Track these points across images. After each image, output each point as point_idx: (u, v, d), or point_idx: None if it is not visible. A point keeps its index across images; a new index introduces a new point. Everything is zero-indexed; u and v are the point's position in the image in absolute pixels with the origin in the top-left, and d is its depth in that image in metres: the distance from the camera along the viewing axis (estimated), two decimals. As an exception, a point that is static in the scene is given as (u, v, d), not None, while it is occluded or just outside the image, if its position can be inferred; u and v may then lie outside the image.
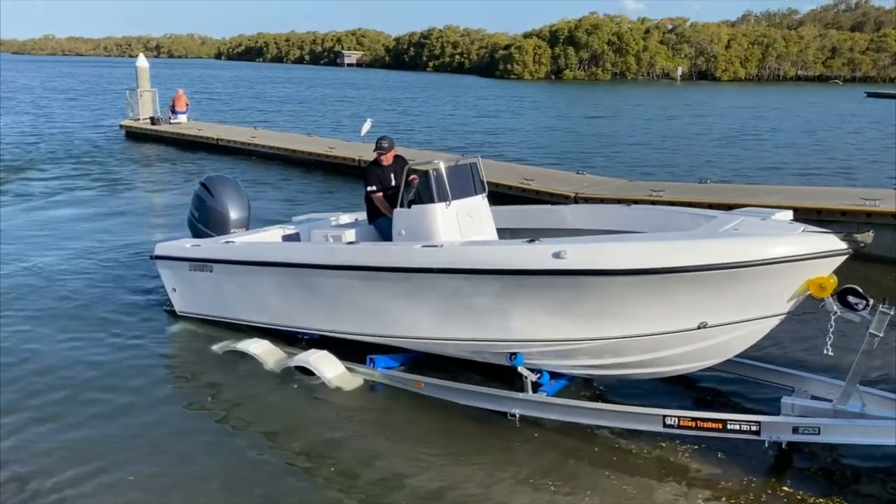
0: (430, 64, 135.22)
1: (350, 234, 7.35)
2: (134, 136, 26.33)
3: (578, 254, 5.35)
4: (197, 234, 8.45)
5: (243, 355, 7.05)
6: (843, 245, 5.02)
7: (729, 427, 5.22)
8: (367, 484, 5.09)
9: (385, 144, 7.50)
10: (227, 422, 6.01)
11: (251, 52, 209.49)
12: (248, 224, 8.60)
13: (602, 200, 13.31)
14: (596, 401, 6.04)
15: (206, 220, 8.41)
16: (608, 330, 5.62)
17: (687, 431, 5.34)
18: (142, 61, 27.92)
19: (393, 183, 7.28)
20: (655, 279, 5.22)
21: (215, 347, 7.36)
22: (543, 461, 5.40)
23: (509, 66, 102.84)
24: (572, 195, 13.55)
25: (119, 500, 4.88)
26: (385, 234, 7.18)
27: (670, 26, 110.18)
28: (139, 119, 26.81)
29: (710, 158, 22.50)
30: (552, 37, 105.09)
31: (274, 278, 7.12)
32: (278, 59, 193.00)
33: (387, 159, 7.52)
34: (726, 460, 5.27)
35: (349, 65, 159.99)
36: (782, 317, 5.41)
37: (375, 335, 6.74)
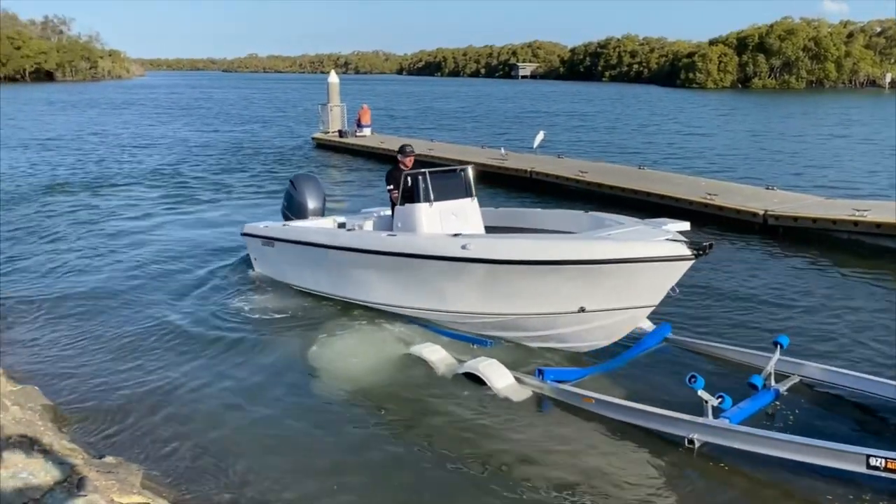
0: (606, 74, 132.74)
1: (368, 224, 9.35)
2: (323, 147, 28.26)
3: (478, 246, 6.97)
4: (286, 219, 10.46)
5: (416, 359, 7.25)
6: (686, 252, 6.06)
7: (949, 478, 4.60)
8: (532, 497, 5.02)
9: (408, 150, 8.97)
10: (399, 427, 6.16)
11: (430, 66, 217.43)
12: (323, 212, 10.54)
13: (795, 220, 12.34)
14: (787, 432, 5.53)
15: (291, 209, 10.52)
16: (511, 307, 7.09)
17: (895, 475, 4.75)
18: (333, 78, 29.89)
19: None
20: (534, 269, 6.63)
21: (391, 350, 7.63)
22: (723, 497, 5.04)
23: (691, 75, 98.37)
24: (760, 213, 12.65)
25: (293, 490, 5.18)
26: None
27: (878, 29, 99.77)
28: (329, 132, 28.74)
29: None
30: (740, 44, 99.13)
31: (304, 253, 9.08)
32: (455, 73, 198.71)
33: (407, 163, 8.85)
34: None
35: (523, 77, 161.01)
36: (650, 308, 6.59)
37: (361, 300, 8.55)
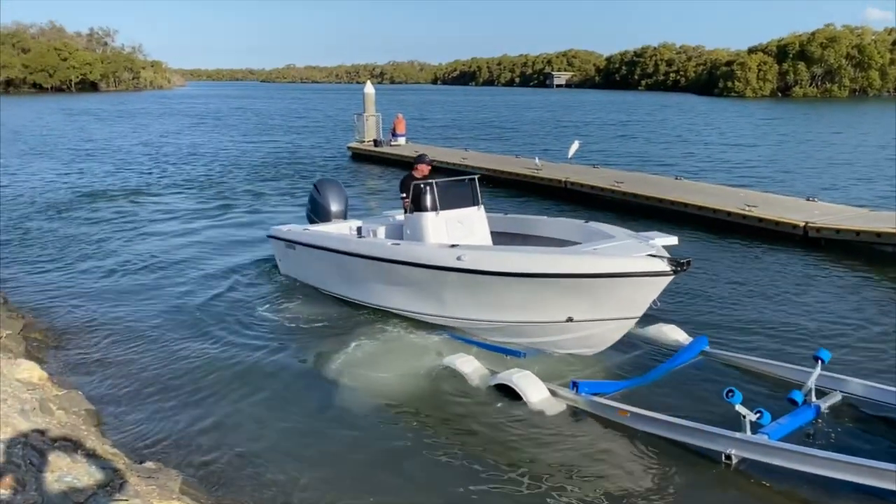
0: (643, 83, 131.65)
1: (381, 231, 9.69)
2: (359, 156, 28.51)
3: (472, 257, 7.31)
4: (311, 221, 10.96)
5: (450, 370, 7.24)
6: (665, 268, 6.32)
7: None
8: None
9: (424, 159, 9.50)
10: (432, 439, 6.17)
11: (464, 76, 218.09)
12: (345, 215, 10.97)
13: (837, 232, 12.10)
14: (829, 449, 5.38)
15: (315, 212, 10.94)
16: (505, 315, 7.43)
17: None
18: (369, 88, 30.17)
19: None
20: (522, 280, 6.95)
21: (424, 360, 7.65)
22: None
23: (730, 84, 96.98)
24: (801, 224, 12.42)
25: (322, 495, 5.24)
26: None
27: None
28: (364, 141, 29.01)
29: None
30: (780, 52, 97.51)
31: (319, 256, 9.45)
32: (490, 82, 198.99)
33: (421, 171, 9.39)
34: None
35: (558, 86, 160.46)
36: (636, 319, 6.89)
37: (371, 303, 8.91)
